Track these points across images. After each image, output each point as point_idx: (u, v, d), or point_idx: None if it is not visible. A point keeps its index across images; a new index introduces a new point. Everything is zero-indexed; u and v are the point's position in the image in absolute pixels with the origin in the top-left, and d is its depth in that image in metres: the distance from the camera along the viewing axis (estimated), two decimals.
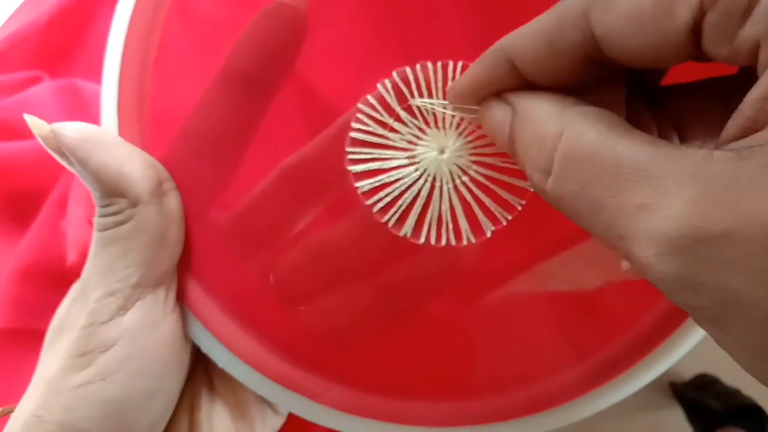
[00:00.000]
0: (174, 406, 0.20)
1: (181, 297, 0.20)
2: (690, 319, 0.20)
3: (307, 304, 0.20)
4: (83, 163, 0.18)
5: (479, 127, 0.18)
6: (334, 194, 0.19)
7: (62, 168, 0.34)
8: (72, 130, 0.18)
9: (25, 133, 0.35)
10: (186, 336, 0.20)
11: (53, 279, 0.32)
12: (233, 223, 0.19)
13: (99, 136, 0.18)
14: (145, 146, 0.19)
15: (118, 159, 0.18)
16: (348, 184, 0.19)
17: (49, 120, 0.18)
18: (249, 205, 0.19)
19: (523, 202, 0.19)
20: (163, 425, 0.20)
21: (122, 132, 0.19)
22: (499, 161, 0.19)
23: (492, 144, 0.18)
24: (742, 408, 0.58)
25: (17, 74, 0.37)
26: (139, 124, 0.19)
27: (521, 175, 0.18)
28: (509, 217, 0.19)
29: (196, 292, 0.20)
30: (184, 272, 0.20)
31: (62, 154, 0.18)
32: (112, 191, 0.18)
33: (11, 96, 0.36)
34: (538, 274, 0.20)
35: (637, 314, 0.20)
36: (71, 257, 0.29)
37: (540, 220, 0.19)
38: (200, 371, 0.22)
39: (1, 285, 0.32)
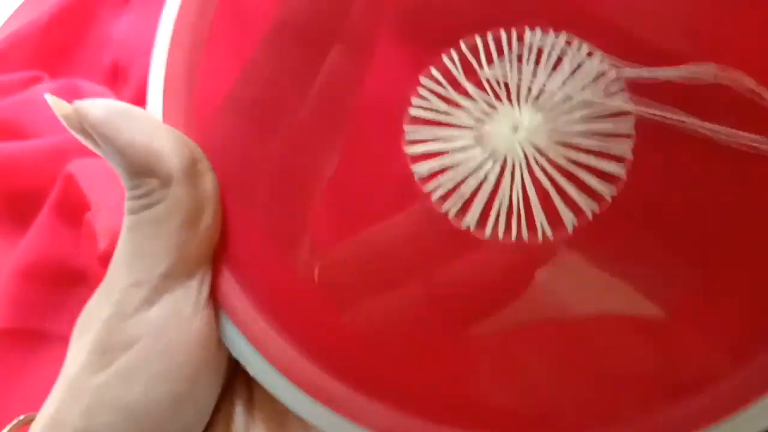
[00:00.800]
0: (208, 416, 0.19)
1: (215, 293, 0.18)
2: None
3: (353, 307, 0.17)
4: (110, 141, 0.16)
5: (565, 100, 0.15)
6: (388, 179, 0.16)
7: (62, 168, 0.34)
8: (96, 106, 0.17)
9: (26, 133, 0.35)
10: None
11: (53, 279, 0.32)
12: (279, 211, 0.17)
13: (125, 111, 0.17)
14: (191, 130, 0.18)
15: (147, 135, 0.16)
16: (404, 168, 0.16)
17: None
18: (296, 192, 0.17)
19: (615, 193, 0.15)
20: None
21: (167, 114, 0.18)
22: (587, 141, 0.15)
23: (579, 120, 0.15)
24: None
25: (17, 74, 0.37)
26: (186, 107, 0.18)
27: (614, 158, 0.15)
28: (596, 210, 0.15)
29: (231, 289, 0.18)
30: (219, 266, 0.18)
31: (87, 135, 0.17)
32: (142, 170, 0.16)
33: (11, 96, 0.36)
34: (628, 287, 0.16)
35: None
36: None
37: (635, 216, 0.15)
38: (240, 379, 0.20)
39: (1, 285, 0.32)
